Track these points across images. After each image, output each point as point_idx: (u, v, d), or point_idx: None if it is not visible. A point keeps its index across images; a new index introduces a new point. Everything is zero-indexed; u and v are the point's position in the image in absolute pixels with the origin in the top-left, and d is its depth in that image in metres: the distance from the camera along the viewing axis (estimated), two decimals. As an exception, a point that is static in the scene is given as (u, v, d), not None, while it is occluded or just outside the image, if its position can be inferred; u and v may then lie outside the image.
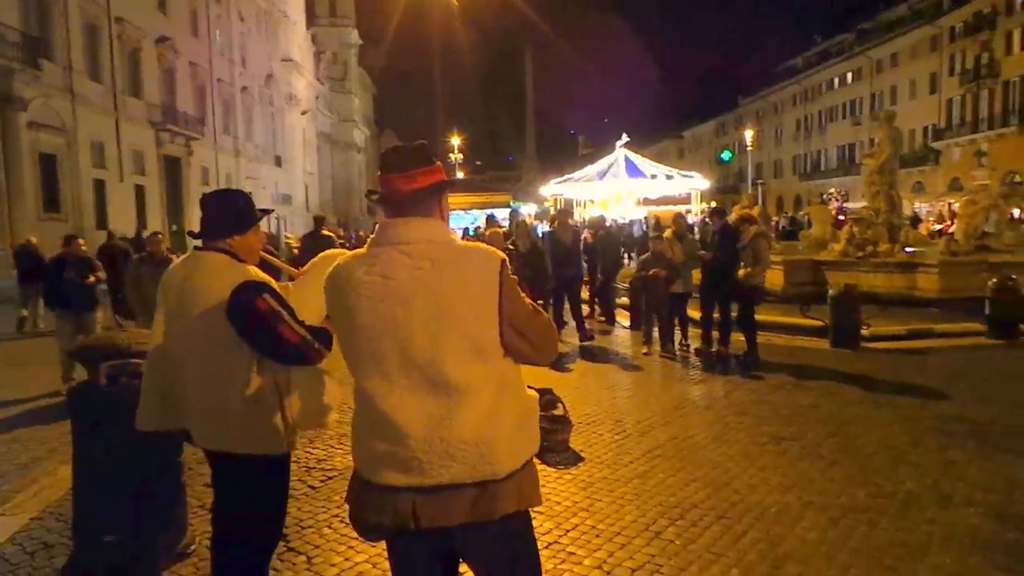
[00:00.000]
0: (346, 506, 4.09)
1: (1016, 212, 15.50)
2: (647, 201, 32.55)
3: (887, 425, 5.40)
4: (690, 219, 18.97)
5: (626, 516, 3.84)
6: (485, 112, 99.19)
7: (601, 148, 52.50)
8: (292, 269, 2.80)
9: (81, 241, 8.04)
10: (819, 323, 9.35)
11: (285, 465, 2.67)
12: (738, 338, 8.34)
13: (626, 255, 17.90)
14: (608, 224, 15.88)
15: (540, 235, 13.41)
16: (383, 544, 3.53)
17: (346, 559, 3.47)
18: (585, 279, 11.16)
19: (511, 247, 9.05)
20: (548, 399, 4.89)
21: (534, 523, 1.98)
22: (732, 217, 9.27)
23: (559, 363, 7.63)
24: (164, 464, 3.47)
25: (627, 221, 24.89)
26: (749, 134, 50.37)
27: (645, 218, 27.52)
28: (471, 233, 21.56)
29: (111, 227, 21.30)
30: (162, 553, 3.44)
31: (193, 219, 34.36)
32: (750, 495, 4.09)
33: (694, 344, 8.69)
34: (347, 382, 2.01)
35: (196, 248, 2.56)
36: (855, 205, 30.37)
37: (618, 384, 7.21)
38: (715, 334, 8.47)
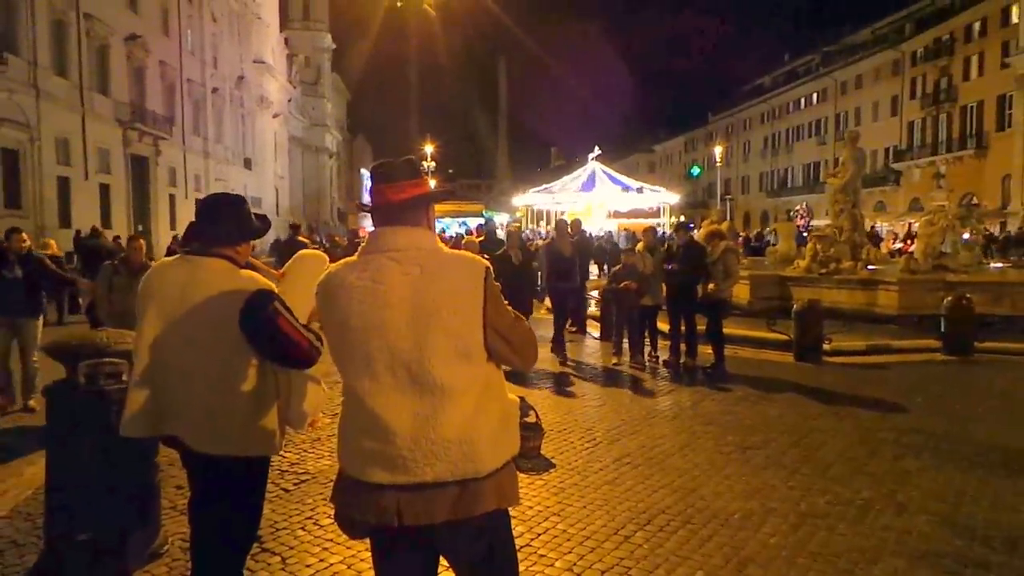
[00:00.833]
0: (320, 508, 4.18)
1: (966, 235, 16.02)
2: (618, 214, 32.95)
3: (847, 436, 5.60)
4: (661, 232, 19.25)
5: (596, 521, 3.94)
6: (458, 121, 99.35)
7: (574, 160, 53.00)
8: (274, 272, 2.84)
9: (51, 241, 7.78)
10: (784, 337, 9.60)
11: (268, 465, 2.72)
12: (706, 350, 8.54)
13: (597, 267, 18.07)
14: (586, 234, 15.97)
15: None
16: (357, 546, 3.63)
17: (320, 560, 3.51)
18: None
19: (504, 257, 8.66)
20: (521, 406, 4.97)
21: None
22: (701, 232, 9.50)
23: (529, 373, 7.72)
24: (139, 464, 3.48)
25: (603, 233, 25.19)
26: (719, 150, 51.34)
27: (615, 231, 27.84)
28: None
29: (94, 225, 20.87)
30: (135, 552, 3.44)
31: (160, 220, 33.85)
32: (715, 501, 4.22)
33: (663, 356, 8.87)
34: (330, 383, 2.07)
35: (189, 252, 2.53)
36: (820, 222, 31.14)
37: (588, 393, 7.33)
38: (683, 346, 8.66)
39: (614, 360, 8.84)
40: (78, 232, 21.41)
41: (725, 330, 8.70)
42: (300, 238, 11.48)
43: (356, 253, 1.96)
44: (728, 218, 38.75)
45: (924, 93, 44.57)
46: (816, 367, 8.55)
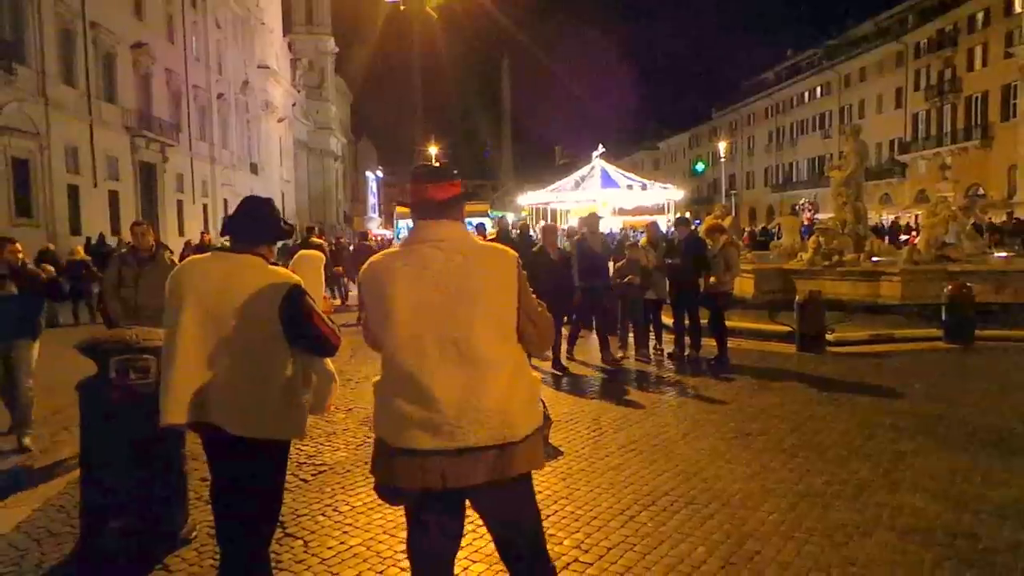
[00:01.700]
0: (339, 496, 4.38)
1: (968, 224, 16.09)
2: (622, 211, 33.09)
3: (845, 421, 5.76)
4: (666, 229, 19.36)
5: (602, 503, 4.12)
6: (463, 121, 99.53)
7: (578, 158, 53.08)
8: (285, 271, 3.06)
9: (78, 248, 7.52)
10: (787, 328, 9.75)
11: (289, 449, 2.92)
12: (709, 343, 8.70)
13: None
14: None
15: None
16: (377, 528, 3.83)
17: (341, 543, 3.69)
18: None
19: (540, 253, 8.16)
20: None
21: None
22: (703, 227, 9.64)
23: (539, 362, 7.89)
24: (169, 453, 3.68)
25: (609, 231, 25.35)
26: (723, 146, 51.33)
27: (622, 228, 27.97)
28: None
29: (100, 232, 21.12)
30: (166, 537, 3.64)
31: (168, 226, 34.15)
32: (717, 484, 4.40)
33: (667, 349, 9.03)
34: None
35: (222, 248, 2.78)
36: (825, 216, 31.21)
37: (594, 386, 7.51)
38: (687, 339, 8.82)
39: (620, 354, 9.00)
40: (88, 239, 21.75)
41: (729, 323, 8.86)
42: (314, 239, 11.69)
43: (398, 244, 2.21)
44: (733, 213, 38.83)
45: (928, 85, 44.48)
46: (818, 357, 8.70)
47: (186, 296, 2.60)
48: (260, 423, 2.59)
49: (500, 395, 2.04)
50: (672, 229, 12.52)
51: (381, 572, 3.39)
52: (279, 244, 3.62)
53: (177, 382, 2.59)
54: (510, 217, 32.02)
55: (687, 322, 8.82)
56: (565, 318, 8.57)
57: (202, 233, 20.54)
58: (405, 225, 28.08)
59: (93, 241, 21.27)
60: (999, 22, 38.88)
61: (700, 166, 63.92)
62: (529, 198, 34.15)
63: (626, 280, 8.77)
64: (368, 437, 5.66)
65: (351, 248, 18.71)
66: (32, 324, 5.69)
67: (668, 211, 32.20)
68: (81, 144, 27.18)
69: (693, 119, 75.07)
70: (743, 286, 12.98)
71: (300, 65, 63.04)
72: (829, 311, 9.66)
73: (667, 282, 8.89)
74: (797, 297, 9.55)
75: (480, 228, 13.07)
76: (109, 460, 3.57)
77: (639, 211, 32.27)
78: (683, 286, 8.65)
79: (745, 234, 27.99)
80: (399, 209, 31.76)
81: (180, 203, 36.45)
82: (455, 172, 2.29)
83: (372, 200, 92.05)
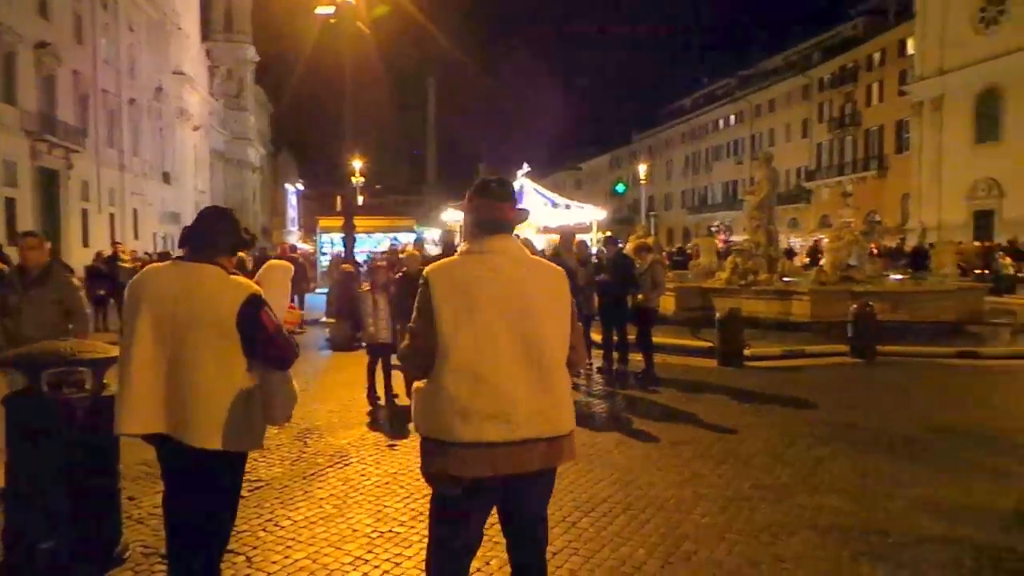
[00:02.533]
0: (278, 511, 4.34)
1: (873, 248, 17.28)
2: (547, 229, 33.59)
3: (767, 430, 6.10)
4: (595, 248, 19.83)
5: (544, 511, 4.22)
6: (388, 137, 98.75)
7: (502, 176, 53.52)
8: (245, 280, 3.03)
9: None
10: (708, 344, 10.19)
11: (245, 461, 2.89)
12: (636, 357, 8.99)
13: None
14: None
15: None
16: (322, 541, 3.81)
17: (286, 557, 3.65)
18: None
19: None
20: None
21: None
22: (629, 246, 9.99)
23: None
24: (100, 471, 3.54)
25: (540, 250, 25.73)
26: (643, 168, 53.01)
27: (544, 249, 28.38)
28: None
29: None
30: (97, 558, 3.50)
31: (72, 236, 32.29)
32: (651, 490, 4.59)
33: (596, 363, 9.28)
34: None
35: (180, 258, 2.71)
36: (738, 238, 32.70)
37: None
38: (615, 354, 9.09)
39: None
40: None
41: (654, 338, 9.19)
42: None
43: (461, 253, 2.39)
44: (652, 233, 40.17)
45: (831, 117, 47.55)
46: (738, 371, 9.14)
47: (142, 305, 2.57)
48: (216, 434, 2.55)
49: (561, 394, 2.32)
50: (598, 248, 12.79)
51: (329, 584, 3.37)
52: (255, 253, 3.55)
53: (132, 392, 2.55)
54: (435, 233, 31.98)
55: (615, 338, 9.09)
56: None
57: (115, 243, 19.47)
58: (329, 240, 27.59)
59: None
60: (893, 62, 42.10)
61: (621, 187, 65.65)
62: (453, 215, 34.22)
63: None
64: (303, 452, 5.59)
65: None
66: None
67: (592, 231, 32.95)
68: (-25, 147, 25.48)
69: (614, 141, 77.28)
70: (665, 304, 13.44)
71: (218, 73, 61.20)
72: (746, 328, 10.17)
73: (596, 299, 9.15)
74: (717, 315, 10.01)
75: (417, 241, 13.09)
76: (37, 478, 3.40)
77: (563, 230, 32.84)
78: (612, 303, 8.92)
79: (663, 254, 28.97)
80: (322, 223, 31.17)
81: (85, 212, 34.56)
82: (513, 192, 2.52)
83: (292, 213, 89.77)
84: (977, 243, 28.22)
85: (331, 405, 7.15)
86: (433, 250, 17.99)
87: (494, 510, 2.44)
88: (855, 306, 10.28)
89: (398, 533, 3.96)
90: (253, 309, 2.55)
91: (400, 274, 7.66)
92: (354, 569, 3.53)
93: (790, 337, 11.75)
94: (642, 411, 6.92)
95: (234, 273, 2.70)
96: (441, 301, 2.27)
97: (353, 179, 28.54)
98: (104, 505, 3.57)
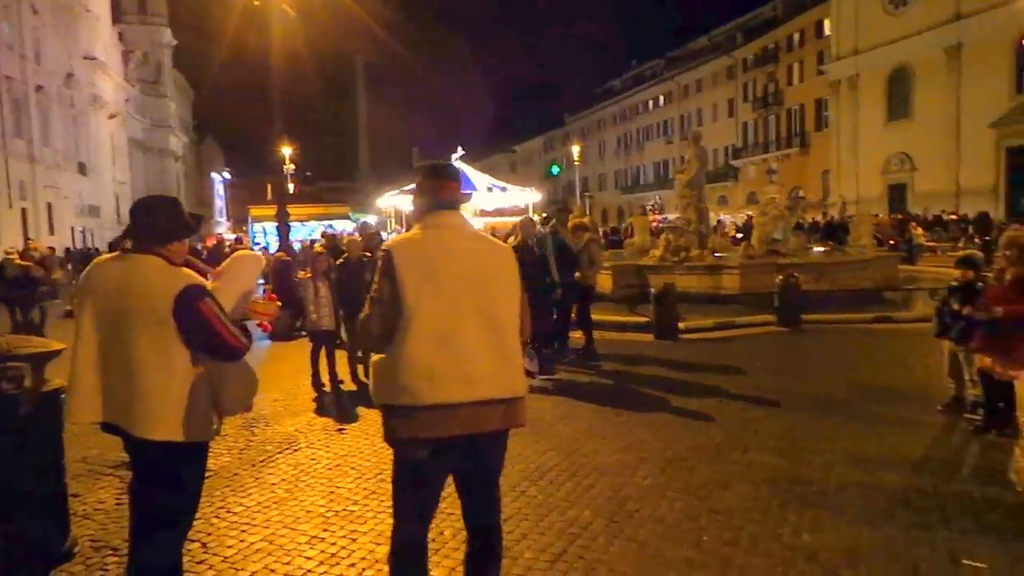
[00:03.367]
0: (229, 499, 4.36)
1: (792, 222, 18.04)
2: (484, 212, 33.65)
3: (701, 396, 6.41)
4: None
5: (494, 482, 4.37)
6: (318, 122, 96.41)
7: (436, 160, 53.22)
8: (211, 269, 3.00)
9: None
10: (644, 319, 10.53)
11: (205, 451, 2.89)
12: (576, 335, 9.22)
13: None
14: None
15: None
16: (276, 523, 3.86)
17: (241, 541, 3.69)
18: None
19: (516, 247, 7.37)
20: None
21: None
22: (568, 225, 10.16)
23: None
24: (48, 466, 3.49)
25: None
26: (576, 150, 53.55)
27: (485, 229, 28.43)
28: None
29: None
30: (47, 553, 3.45)
31: (-19, 232, 30.48)
32: (595, 457, 4.80)
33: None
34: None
35: (125, 250, 2.68)
36: (671, 216, 33.55)
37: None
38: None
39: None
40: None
41: (592, 316, 9.43)
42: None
43: (419, 228, 2.54)
44: (588, 213, 40.77)
45: (755, 97, 49.05)
46: (673, 344, 9.50)
47: (86, 297, 2.60)
48: (156, 425, 2.55)
49: (516, 359, 2.47)
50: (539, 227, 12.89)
51: (288, 563, 3.44)
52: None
53: (79, 383, 2.57)
54: (371, 219, 31.62)
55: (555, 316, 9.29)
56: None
57: (27, 240, 18.46)
58: (262, 228, 26.95)
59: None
60: (812, 43, 43.68)
61: (555, 169, 66.24)
62: (387, 200, 33.87)
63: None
64: (251, 440, 5.58)
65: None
66: None
67: (529, 213, 33.18)
68: None
69: (547, 124, 77.72)
70: (602, 282, 13.75)
71: (133, 57, 58.30)
72: (680, 302, 10.55)
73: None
74: (653, 291, 10.34)
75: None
76: (-21, 475, 3.33)
77: (499, 212, 32.97)
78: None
79: (599, 233, 29.48)
80: (254, 212, 30.38)
81: (-6, 207, 32.67)
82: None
83: (219, 203, 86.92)
84: (891, 216, 29.82)
85: (276, 394, 7.12)
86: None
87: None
88: (780, 278, 10.79)
89: (352, 511, 4.04)
90: (189, 299, 2.53)
91: (341, 261, 7.64)
92: (310, 547, 3.60)
93: (722, 310, 12.22)
94: (584, 385, 7.16)
95: (180, 263, 2.69)
96: (404, 271, 2.37)
97: (284, 167, 27.90)
98: (50, 500, 3.52)
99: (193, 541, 3.69)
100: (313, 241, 18.93)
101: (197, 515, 3.98)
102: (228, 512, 4.09)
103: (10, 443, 3.33)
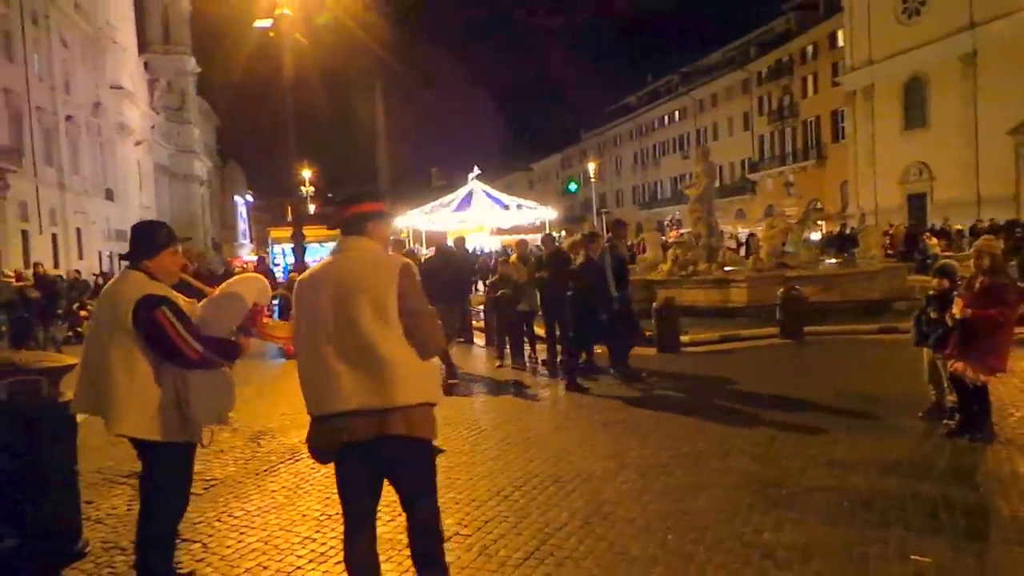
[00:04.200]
0: (232, 504, 4.65)
1: (814, 235, 18.10)
2: (500, 231, 34.02)
3: (692, 407, 6.59)
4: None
5: (480, 488, 4.61)
6: (338, 145, 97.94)
7: (454, 180, 53.88)
8: (209, 289, 3.36)
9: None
10: (647, 332, 10.69)
11: (187, 454, 3.17)
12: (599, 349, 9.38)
13: (479, 281, 18.86)
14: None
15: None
16: (273, 526, 4.13)
17: (239, 542, 3.95)
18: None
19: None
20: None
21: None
22: (566, 243, 10.43)
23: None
24: (60, 472, 3.79)
25: (484, 250, 26.14)
26: (592, 166, 53.85)
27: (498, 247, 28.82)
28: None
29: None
30: (59, 553, 3.74)
31: (13, 258, 31.42)
32: (580, 464, 5.00)
33: (541, 356, 9.68)
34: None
35: (126, 267, 3.16)
36: (686, 231, 33.62)
37: (475, 393, 8.02)
38: (559, 346, 9.49)
39: (498, 363, 9.56)
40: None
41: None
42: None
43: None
44: (604, 231, 40.96)
45: (771, 110, 49.02)
46: (675, 356, 9.66)
47: (95, 310, 3.11)
48: (120, 420, 2.93)
49: (390, 370, 2.54)
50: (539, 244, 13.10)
51: (280, 560, 3.69)
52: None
53: (77, 382, 3.07)
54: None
55: (557, 330, 9.50)
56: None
57: (35, 264, 19.18)
58: (281, 250, 27.55)
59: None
60: (825, 55, 43.67)
61: (573, 186, 66.50)
62: (406, 220, 34.38)
63: (500, 294, 9.36)
64: (256, 452, 5.87)
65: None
66: None
67: (546, 230, 33.47)
68: (-94, 171, 24.69)
69: (564, 141, 78.14)
70: (610, 296, 13.94)
71: (158, 86, 59.91)
72: (685, 316, 10.71)
73: (537, 294, 9.56)
74: (654, 304, 10.52)
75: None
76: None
77: (516, 230, 33.28)
78: (553, 297, 9.32)
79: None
80: (273, 234, 31.04)
81: (25, 233, 33.68)
82: (366, 195, 2.88)
83: (242, 225, 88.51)
84: (906, 226, 29.59)
85: (284, 408, 7.40)
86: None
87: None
88: (782, 290, 10.91)
89: (345, 516, 4.28)
90: (145, 309, 2.90)
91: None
92: (303, 548, 3.85)
93: (728, 323, 12.35)
94: (580, 397, 7.36)
95: (164, 279, 3.08)
96: (295, 301, 2.74)
97: (303, 188, 28.49)
98: (63, 503, 3.82)
99: (195, 541, 3.97)
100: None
101: (200, 518, 4.32)
102: (229, 516, 4.36)
103: (26, 450, 3.63)
